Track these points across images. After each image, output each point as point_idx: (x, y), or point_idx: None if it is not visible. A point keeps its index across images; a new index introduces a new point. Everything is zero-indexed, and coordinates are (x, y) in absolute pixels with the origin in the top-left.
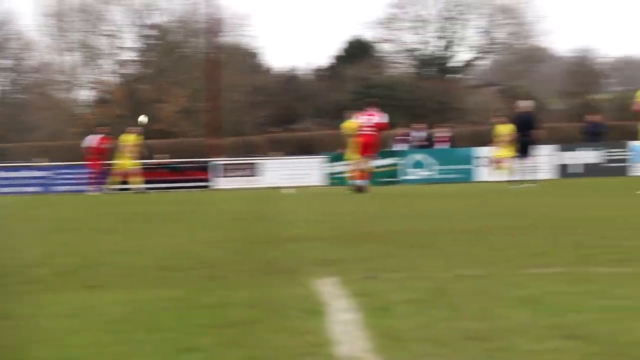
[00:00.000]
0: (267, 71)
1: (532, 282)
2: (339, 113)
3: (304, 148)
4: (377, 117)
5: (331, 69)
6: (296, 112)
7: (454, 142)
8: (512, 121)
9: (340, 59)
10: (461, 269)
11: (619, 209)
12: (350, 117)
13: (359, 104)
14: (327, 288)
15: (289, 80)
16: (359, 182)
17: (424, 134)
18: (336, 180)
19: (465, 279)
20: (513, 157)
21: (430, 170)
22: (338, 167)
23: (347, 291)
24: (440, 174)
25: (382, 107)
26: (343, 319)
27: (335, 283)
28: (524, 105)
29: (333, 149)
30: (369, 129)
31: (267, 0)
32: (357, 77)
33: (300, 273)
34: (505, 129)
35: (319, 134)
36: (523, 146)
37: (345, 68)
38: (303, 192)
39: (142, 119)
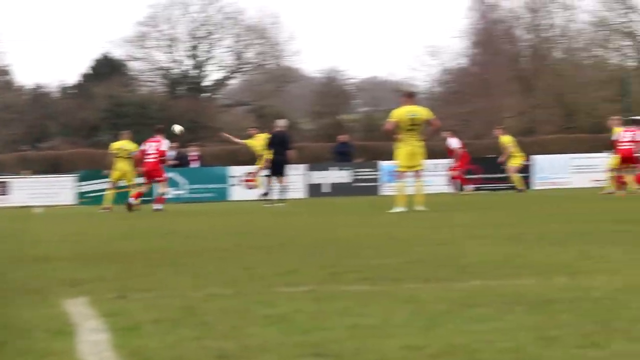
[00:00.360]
0: (17, 88)
1: (282, 300)
2: (89, 131)
3: (53, 166)
4: (162, 144)
5: (80, 87)
6: (46, 130)
7: (204, 160)
8: (268, 140)
9: (89, 77)
10: (212, 287)
11: (367, 228)
12: (123, 138)
13: (111, 123)
14: (76, 308)
15: (38, 98)
16: (132, 200)
17: (174, 152)
18: (87, 199)
19: (216, 298)
20: (267, 176)
21: (182, 190)
22: (89, 186)
23: (97, 311)
24: (192, 193)
25: (133, 126)
26: (92, 339)
27: (85, 303)
28: (280, 124)
29: (83, 167)
30: (152, 155)
31: (16, 16)
32: (107, 95)
33: (49, 293)
34: (261, 147)
35: (68, 152)
36: (277, 165)
37: (95, 86)
38: (52, 211)
39: (177, 129)
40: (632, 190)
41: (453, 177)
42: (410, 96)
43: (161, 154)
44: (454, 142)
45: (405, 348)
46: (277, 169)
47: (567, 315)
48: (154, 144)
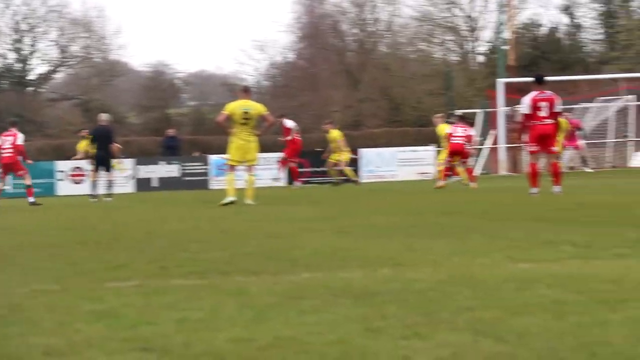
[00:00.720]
0: None
1: (110, 295)
2: None
3: None
4: (17, 137)
5: None
6: None
7: (29, 155)
8: (92, 135)
9: None
10: (39, 284)
11: (196, 222)
12: None
13: None
14: None
15: None
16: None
17: None
18: None
19: (42, 294)
20: (94, 170)
21: (7, 185)
22: None
23: None
24: (17, 188)
25: None
26: None
27: None
28: (103, 118)
29: None
30: (8, 150)
31: None
32: None
33: None
34: (85, 143)
35: None
36: (101, 160)
37: None
38: None
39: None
40: (464, 182)
41: (287, 167)
42: (245, 91)
43: (17, 147)
44: (290, 123)
45: (233, 341)
46: (101, 163)
47: (392, 307)
48: (8, 137)
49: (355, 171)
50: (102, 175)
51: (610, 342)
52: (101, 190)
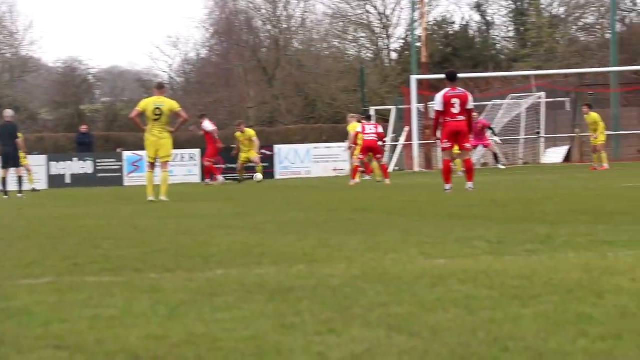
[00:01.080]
0: None
1: (22, 293)
2: None
3: None
4: None
5: None
6: None
7: None
8: None
9: None
10: None
11: (110, 219)
12: None
13: None
14: None
15: None
16: None
17: None
18: None
19: None
20: (3, 167)
21: None
22: None
23: None
24: None
25: None
26: None
27: None
28: (8, 115)
29: None
30: None
31: None
32: None
33: None
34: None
35: None
36: (9, 157)
37: None
38: None
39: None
40: (378, 179)
41: (207, 167)
42: (159, 87)
43: None
44: (208, 125)
45: (147, 338)
46: (9, 160)
47: (306, 303)
48: None
49: (269, 168)
50: (12, 171)
51: (522, 337)
52: (12, 186)
